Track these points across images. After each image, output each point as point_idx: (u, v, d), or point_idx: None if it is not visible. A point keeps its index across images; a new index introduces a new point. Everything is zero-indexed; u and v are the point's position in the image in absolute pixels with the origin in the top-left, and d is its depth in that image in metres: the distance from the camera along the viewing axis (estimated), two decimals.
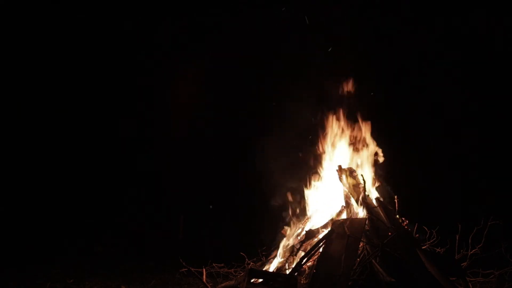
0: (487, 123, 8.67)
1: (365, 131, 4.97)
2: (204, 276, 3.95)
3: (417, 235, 4.59)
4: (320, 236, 4.23)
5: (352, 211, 4.40)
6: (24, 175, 8.93)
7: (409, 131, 8.22)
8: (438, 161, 8.34)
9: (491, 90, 8.56)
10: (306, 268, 4.02)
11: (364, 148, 4.95)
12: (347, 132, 5.06)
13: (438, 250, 4.49)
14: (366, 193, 4.34)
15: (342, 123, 5.09)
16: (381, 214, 4.21)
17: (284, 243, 4.69)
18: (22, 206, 8.56)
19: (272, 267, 4.53)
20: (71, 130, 9.40)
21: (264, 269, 4.49)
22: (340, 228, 3.92)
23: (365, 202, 4.28)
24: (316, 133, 5.21)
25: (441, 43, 8.41)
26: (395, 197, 4.45)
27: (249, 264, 4.66)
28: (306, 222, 4.78)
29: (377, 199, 4.45)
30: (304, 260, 3.92)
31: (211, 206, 7.46)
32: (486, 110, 8.65)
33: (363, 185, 4.35)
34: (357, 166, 4.85)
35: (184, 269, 4.19)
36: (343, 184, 4.57)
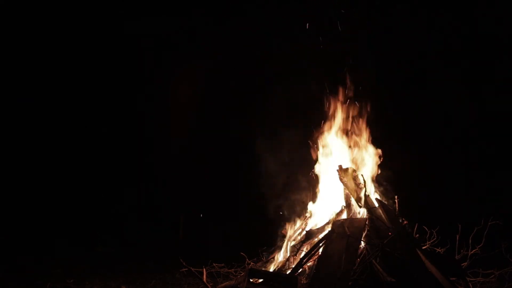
0: (488, 123, 8.67)
1: (367, 131, 4.99)
2: (205, 276, 3.94)
3: (417, 235, 4.59)
4: (321, 236, 4.23)
5: (352, 211, 4.41)
6: (24, 175, 8.93)
7: (409, 131, 8.22)
8: (438, 161, 8.34)
9: (492, 90, 8.56)
10: (307, 268, 4.03)
11: (365, 149, 4.96)
12: (348, 132, 5.07)
13: (438, 250, 4.49)
14: (367, 193, 4.35)
15: (344, 122, 5.09)
16: (381, 214, 4.22)
17: (285, 243, 4.69)
18: (22, 206, 8.56)
19: (272, 267, 4.53)
20: (71, 130, 9.40)
21: (264, 269, 4.49)
22: (340, 228, 3.92)
23: (366, 202, 4.28)
24: (317, 132, 5.21)
25: (446, 42, 8.42)
26: (395, 197, 4.45)
27: (249, 264, 4.66)
28: (307, 222, 4.78)
29: (377, 199, 4.46)
30: (304, 260, 3.93)
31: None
32: (487, 111, 8.65)
33: (363, 185, 4.35)
34: (358, 166, 4.85)
35: (184, 269, 4.18)
36: (344, 184, 4.57)
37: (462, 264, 4.31)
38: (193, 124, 9.40)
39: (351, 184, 4.52)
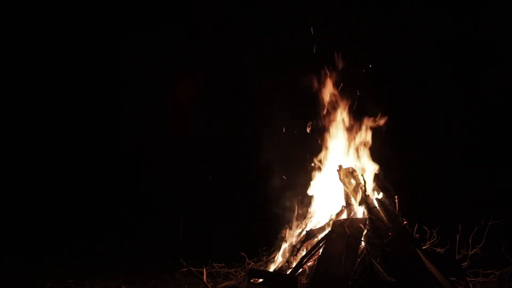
0: (488, 123, 8.66)
1: (367, 130, 4.99)
2: (205, 276, 3.94)
3: (417, 235, 4.59)
4: (321, 236, 4.23)
5: (352, 211, 4.41)
6: (24, 175, 8.93)
7: (409, 131, 8.22)
8: (438, 161, 8.33)
9: (492, 90, 8.55)
10: (307, 268, 4.03)
11: (365, 148, 4.96)
12: (348, 131, 5.07)
13: (438, 250, 4.49)
14: (367, 193, 4.35)
15: (343, 121, 5.09)
16: (382, 214, 4.22)
17: (285, 243, 4.69)
18: (22, 206, 8.56)
19: (272, 267, 4.53)
20: (71, 130, 9.40)
21: (264, 269, 4.49)
22: (340, 228, 3.93)
23: (366, 202, 4.28)
24: (316, 131, 5.21)
25: (446, 42, 8.41)
26: (396, 197, 4.45)
27: (250, 264, 4.66)
28: (307, 222, 4.78)
29: (377, 199, 4.46)
30: (304, 260, 3.93)
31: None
32: (487, 110, 8.64)
33: (363, 185, 4.35)
34: (358, 165, 4.85)
35: (184, 269, 4.19)
36: (344, 184, 4.57)
37: (462, 264, 4.31)
38: (194, 123, 9.40)
39: (351, 184, 4.53)
